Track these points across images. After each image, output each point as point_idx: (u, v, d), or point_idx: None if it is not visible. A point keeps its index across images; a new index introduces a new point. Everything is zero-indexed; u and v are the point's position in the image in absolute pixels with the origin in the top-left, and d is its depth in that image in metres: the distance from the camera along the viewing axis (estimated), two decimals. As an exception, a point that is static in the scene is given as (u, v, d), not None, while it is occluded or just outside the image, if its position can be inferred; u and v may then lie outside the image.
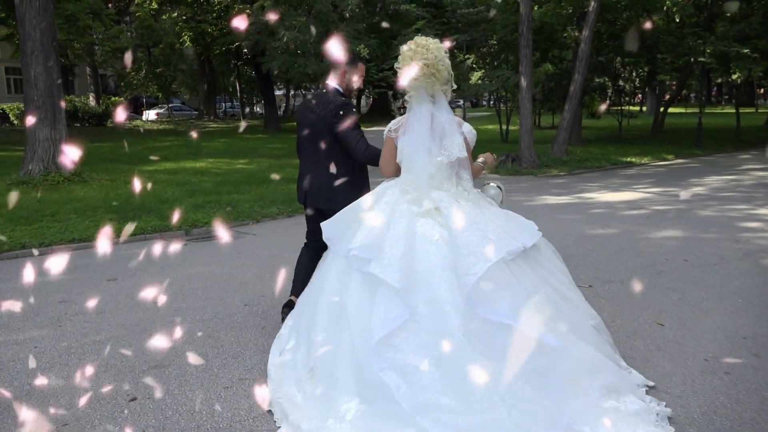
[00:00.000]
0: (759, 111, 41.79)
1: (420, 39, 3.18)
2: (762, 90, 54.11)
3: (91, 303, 5.18)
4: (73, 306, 5.13)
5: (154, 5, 29.08)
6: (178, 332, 4.42)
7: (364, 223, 3.15)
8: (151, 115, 41.06)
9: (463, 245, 2.91)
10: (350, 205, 3.38)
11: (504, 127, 23.44)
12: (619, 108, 24.06)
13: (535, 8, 19.28)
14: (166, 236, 8.04)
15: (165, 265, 6.51)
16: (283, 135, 27.98)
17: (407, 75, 3.07)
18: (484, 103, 61.09)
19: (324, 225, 3.40)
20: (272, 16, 16.08)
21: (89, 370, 3.79)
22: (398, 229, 3.04)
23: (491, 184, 3.48)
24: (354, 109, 3.96)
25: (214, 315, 4.81)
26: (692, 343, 4.08)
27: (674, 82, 24.61)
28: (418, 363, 2.78)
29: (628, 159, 16.97)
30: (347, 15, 16.43)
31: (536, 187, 12.46)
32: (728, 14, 19.90)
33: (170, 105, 43.89)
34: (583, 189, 11.92)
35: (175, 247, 7.42)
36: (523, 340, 2.78)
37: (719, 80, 41.56)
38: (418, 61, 3.07)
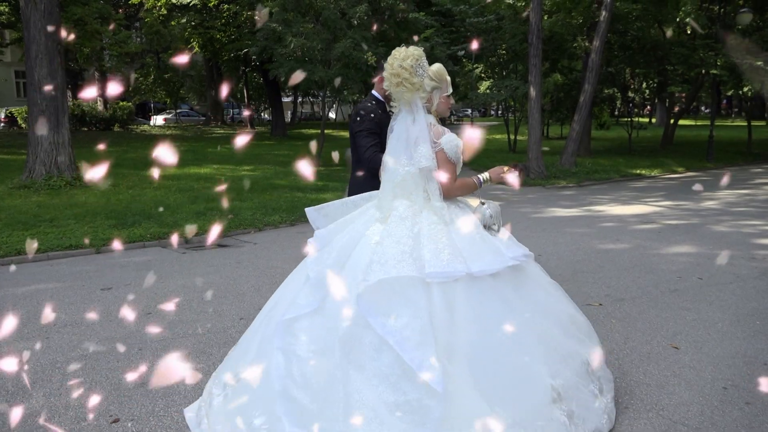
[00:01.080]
0: (770, 124, 41.44)
1: (397, 49, 3.13)
2: (772, 103, 53.60)
3: (83, 314, 5.00)
4: (63, 316, 4.95)
5: (164, 11, 29.06)
6: (169, 347, 4.23)
7: (338, 218, 3.19)
8: (158, 120, 41.09)
9: (378, 253, 2.86)
10: (339, 200, 3.34)
11: (512, 137, 23.26)
12: (629, 119, 23.82)
13: (545, 18, 19.11)
14: (165, 243, 7.87)
15: (162, 274, 6.34)
16: (291, 142, 27.88)
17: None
18: (492, 112, 60.98)
19: (308, 210, 3.30)
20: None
21: (72, 387, 3.60)
22: (353, 228, 3.06)
23: (483, 206, 3.17)
24: (372, 115, 3.83)
25: (208, 329, 4.62)
26: (710, 368, 3.85)
27: (683, 94, 24.39)
28: (302, 353, 2.80)
29: (638, 171, 16.72)
30: (355, 22, 16.28)
31: (544, 198, 12.24)
32: (740, 26, 19.68)
33: (178, 110, 43.94)
34: (592, 201, 11.69)
35: (174, 255, 7.26)
36: (402, 367, 2.63)
37: (729, 93, 41.22)
38: (386, 72, 3.09)
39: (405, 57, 3.05)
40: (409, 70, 3.02)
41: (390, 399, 2.61)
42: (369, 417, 2.59)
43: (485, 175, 3.24)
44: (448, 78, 3.18)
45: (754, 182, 14.81)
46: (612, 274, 6.13)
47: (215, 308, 5.13)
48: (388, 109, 3.94)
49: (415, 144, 3.02)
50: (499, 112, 38.46)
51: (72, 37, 19.63)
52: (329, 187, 12.85)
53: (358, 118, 3.78)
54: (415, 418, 2.58)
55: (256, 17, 18.69)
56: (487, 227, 3.11)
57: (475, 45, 14.16)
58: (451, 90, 3.21)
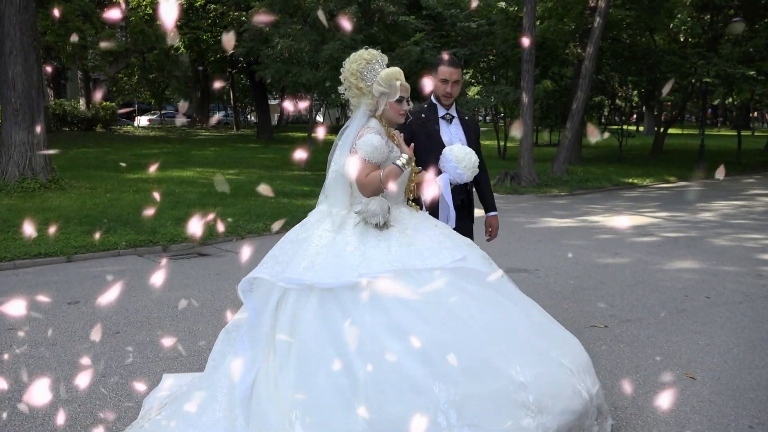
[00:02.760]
0: (755, 134, 41.67)
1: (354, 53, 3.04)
2: (756, 113, 54.19)
3: (43, 333, 4.57)
4: (21, 334, 4.51)
5: (149, 10, 28.51)
6: (134, 373, 3.81)
7: None
8: (142, 121, 40.38)
9: (276, 248, 3.02)
10: None
11: (502, 143, 23.00)
12: (620, 127, 23.68)
13: (537, 23, 18.89)
14: (142, 252, 7.43)
15: (135, 286, 5.91)
16: (277, 145, 27.41)
17: None
18: (480, 118, 60.89)
19: None
20: (262, 18, 15.47)
21: (23, 422, 3.17)
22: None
23: (370, 204, 2.84)
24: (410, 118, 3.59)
25: (179, 352, 4.20)
26: (731, 403, 3.52)
27: (669, 103, 24.34)
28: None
29: (630, 180, 16.51)
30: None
31: (537, 207, 11.93)
32: (730, 35, 19.61)
33: (163, 111, 43.27)
34: (586, 211, 11.39)
35: (150, 265, 6.83)
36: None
37: (716, 102, 41.44)
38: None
39: (353, 61, 2.96)
40: (355, 74, 2.94)
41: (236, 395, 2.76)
42: (208, 399, 2.79)
43: (403, 158, 2.89)
44: (400, 83, 2.90)
45: (748, 193, 14.64)
46: (614, 292, 5.79)
47: (189, 327, 4.72)
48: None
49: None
50: (487, 118, 38.22)
51: (58, 14, 18.95)
52: (315, 193, 12.41)
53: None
54: (257, 412, 2.67)
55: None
56: (379, 225, 2.82)
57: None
58: (400, 95, 2.92)
